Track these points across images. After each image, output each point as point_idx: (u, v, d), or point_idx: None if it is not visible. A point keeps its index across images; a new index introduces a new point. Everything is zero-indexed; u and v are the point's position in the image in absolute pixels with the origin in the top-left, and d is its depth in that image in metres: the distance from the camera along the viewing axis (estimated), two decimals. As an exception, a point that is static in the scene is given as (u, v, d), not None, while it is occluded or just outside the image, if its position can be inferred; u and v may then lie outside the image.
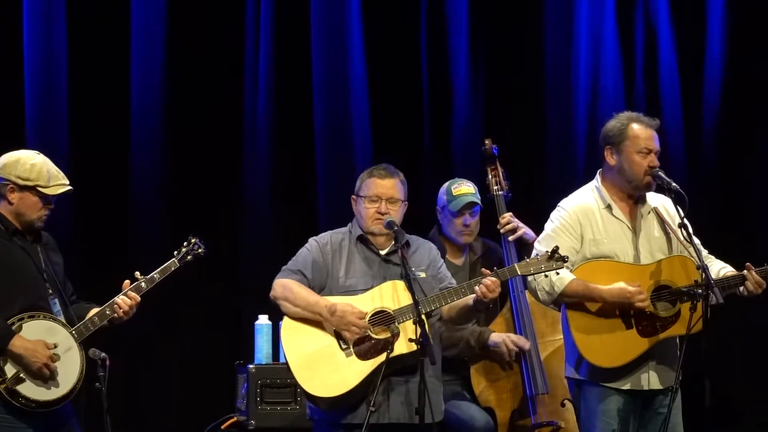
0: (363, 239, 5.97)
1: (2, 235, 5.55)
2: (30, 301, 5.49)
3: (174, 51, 7.83)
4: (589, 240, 5.81)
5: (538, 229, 6.09)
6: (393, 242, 5.92)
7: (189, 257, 5.81)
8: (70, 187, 5.65)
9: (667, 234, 5.86)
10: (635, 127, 5.85)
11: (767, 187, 8.13)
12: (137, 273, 5.70)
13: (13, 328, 5.40)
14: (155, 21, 7.79)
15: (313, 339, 5.77)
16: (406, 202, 6.01)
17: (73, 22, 7.69)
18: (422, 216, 6.92)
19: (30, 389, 5.42)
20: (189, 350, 7.71)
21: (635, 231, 5.85)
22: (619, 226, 5.84)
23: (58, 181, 5.60)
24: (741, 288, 5.73)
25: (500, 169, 6.82)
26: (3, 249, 5.52)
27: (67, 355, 5.49)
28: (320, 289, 5.88)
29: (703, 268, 5.53)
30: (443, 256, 6.44)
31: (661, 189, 5.83)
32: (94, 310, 5.63)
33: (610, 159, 5.87)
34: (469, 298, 5.72)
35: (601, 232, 5.81)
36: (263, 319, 7.06)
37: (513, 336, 6.48)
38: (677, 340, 5.69)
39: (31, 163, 5.56)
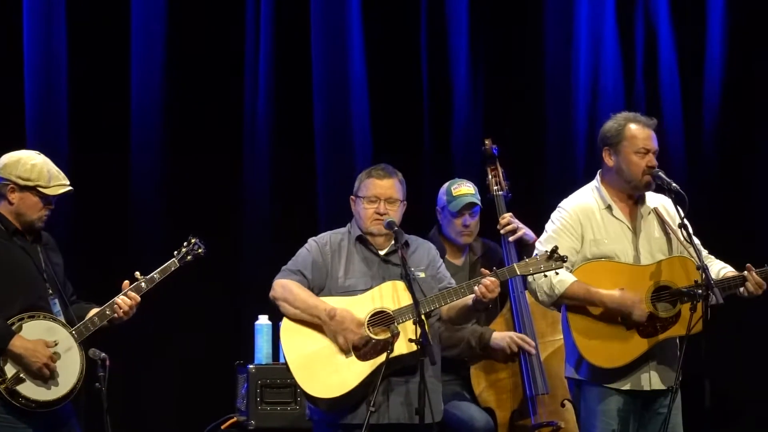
0: (362, 239, 5.97)
1: (2, 235, 5.55)
2: (30, 302, 5.49)
3: (174, 51, 7.83)
4: (590, 240, 5.80)
5: (538, 230, 6.09)
6: (392, 242, 5.92)
7: (189, 257, 5.81)
8: (70, 188, 5.65)
9: (667, 234, 5.86)
10: (632, 127, 5.84)
11: (767, 187, 8.13)
12: (137, 273, 5.71)
13: (13, 328, 5.41)
14: (155, 21, 7.79)
15: (313, 340, 5.76)
16: (405, 202, 6.00)
17: (73, 22, 7.69)
18: (422, 216, 6.92)
19: (30, 389, 5.42)
20: (189, 350, 7.71)
21: (635, 231, 5.85)
22: (619, 226, 5.83)
23: (58, 182, 5.61)
24: (741, 289, 5.73)
25: (500, 169, 6.82)
26: (3, 249, 5.52)
27: (67, 355, 5.49)
28: (319, 290, 5.88)
29: (703, 269, 5.52)
30: (443, 257, 6.44)
31: (661, 189, 5.83)
32: (94, 311, 5.63)
33: (609, 160, 5.87)
34: (469, 298, 5.72)
35: (602, 233, 5.81)
36: (263, 319, 7.06)
37: (518, 335, 6.47)
38: (677, 341, 5.69)
39: (31, 163, 5.57)
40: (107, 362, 5.49)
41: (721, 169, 8.15)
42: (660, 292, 5.70)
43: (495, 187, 6.78)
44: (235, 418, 7.04)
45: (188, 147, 7.84)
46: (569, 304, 5.75)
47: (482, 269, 5.75)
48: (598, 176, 5.94)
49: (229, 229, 7.84)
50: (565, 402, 6.45)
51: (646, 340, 5.67)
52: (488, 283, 5.61)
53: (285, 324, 5.86)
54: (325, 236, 6.01)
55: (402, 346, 5.67)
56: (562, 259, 5.63)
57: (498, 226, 6.67)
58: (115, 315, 5.61)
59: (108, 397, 5.46)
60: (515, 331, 6.54)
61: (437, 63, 8.11)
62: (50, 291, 5.59)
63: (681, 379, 5.57)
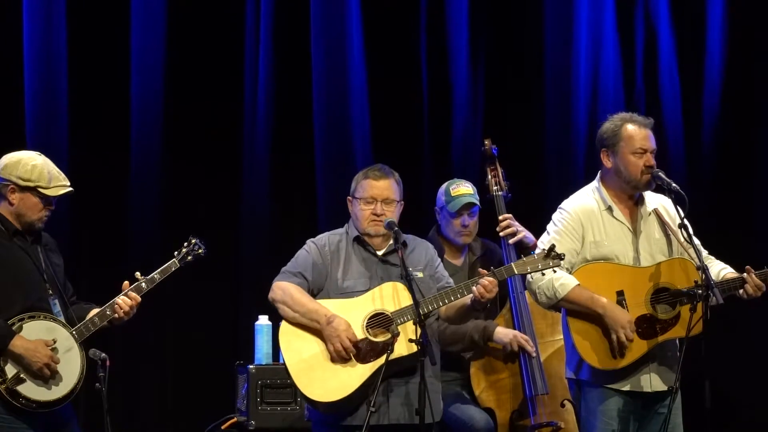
0: (360, 240, 5.95)
1: (3, 236, 5.55)
2: (30, 302, 5.50)
3: (174, 51, 7.82)
4: (590, 242, 5.80)
5: (538, 230, 6.09)
6: (390, 242, 5.92)
7: (189, 257, 5.82)
8: (70, 189, 5.66)
9: (667, 235, 5.86)
10: (629, 127, 5.83)
11: (767, 187, 8.14)
12: (137, 273, 5.71)
13: (14, 328, 5.41)
14: (155, 21, 7.79)
15: (312, 343, 5.75)
16: (402, 202, 5.99)
17: (73, 22, 7.68)
18: (422, 216, 6.93)
19: (30, 389, 5.42)
20: (189, 350, 7.71)
21: (635, 232, 5.84)
22: (619, 227, 5.83)
23: (58, 182, 5.61)
24: (740, 291, 5.72)
25: (500, 170, 6.81)
26: (3, 249, 5.52)
27: (67, 355, 5.49)
28: (318, 291, 5.87)
29: (703, 269, 5.52)
30: (442, 257, 6.44)
31: (661, 189, 5.82)
32: (95, 311, 5.63)
33: (607, 161, 5.86)
34: (467, 298, 5.71)
35: (602, 234, 5.81)
36: (263, 320, 7.06)
37: (522, 335, 6.47)
38: (677, 342, 5.69)
39: (32, 164, 5.57)
40: (107, 362, 5.49)
41: (721, 169, 8.15)
42: (660, 293, 5.70)
43: (495, 188, 6.77)
44: (235, 419, 7.04)
45: (188, 147, 7.84)
46: (569, 308, 5.75)
47: (480, 269, 5.74)
48: (598, 177, 5.93)
49: (229, 230, 7.84)
50: (565, 402, 6.45)
51: (645, 342, 5.67)
52: (486, 283, 5.60)
53: (284, 327, 5.84)
54: (323, 237, 6.00)
55: (402, 347, 5.66)
56: (560, 257, 5.62)
57: (497, 228, 6.67)
58: (116, 315, 5.61)
59: (108, 398, 5.46)
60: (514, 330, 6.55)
61: (437, 63, 8.11)
62: (50, 291, 5.58)
63: (681, 380, 5.56)
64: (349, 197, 6.01)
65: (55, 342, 5.46)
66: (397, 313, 5.72)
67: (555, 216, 5.90)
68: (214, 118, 7.89)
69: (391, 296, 5.77)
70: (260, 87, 7.93)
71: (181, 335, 7.74)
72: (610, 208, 5.84)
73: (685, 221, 5.66)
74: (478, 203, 6.65)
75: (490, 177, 6.80)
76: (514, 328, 6.54)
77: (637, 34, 8.18)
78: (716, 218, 7.75)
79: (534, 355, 6.45)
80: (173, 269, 5.76)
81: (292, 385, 5.85)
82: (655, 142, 5.85)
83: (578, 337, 5.72)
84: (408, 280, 5.61)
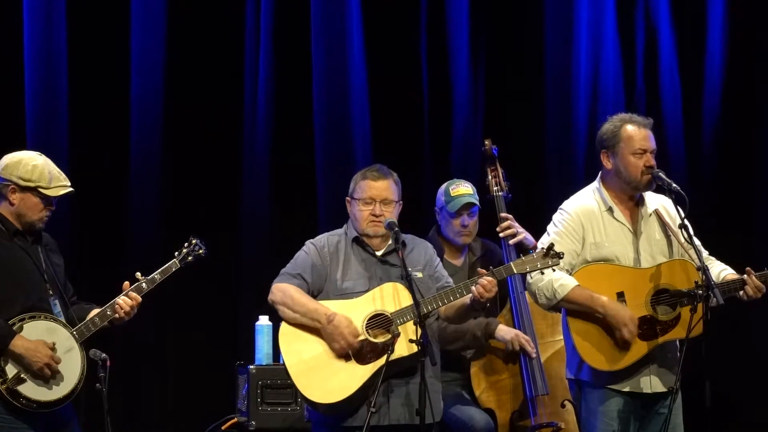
0: (359, 241, 5.95)
1: (3, 236, 5.55)
2: (31, 302, 5.50)
3: (174, 51, 7.82)
4: (591, 243, 5.80)
5: (538, 230, 6.09)
6: (389, 243, 5.92)
7: (190, 258, 5.82)
8: (71, 189, 5.66)
9: (667, 236, 5.85)
10: (629, 128, 5.83)
11: (767, 187, 8.14)
12: (138, 274, 5.71)
13: (14, 328, 5.41)
14: (155, 21, 7.79)
15: (312, 344, 5.74)
16: (401, 202, 5.98)
17: (73, 21, 7.68)
18: (422, 216, 6.93)
19: (31, 389, 5.42)
20: (189, 351, 7.71)
21: (636, 233, 5.84)
22: (620, 228, 5.83)
23: (59, 183, 5.61)
24: (740, 292, 5.72)
25: (500, 170, 6.81)
26: (4, 250, 5.52)
27: (68, 355, 5.49)
28: (318, 292, 5.87)
29: (703, 269, 5.52)
30: (442, 257, 6.44)
31: (662, 189, 5.82)
32: (95, 311, 5.63)
33: (607, 163, 5.86)
34: (467, 298, 5.71)
35: (603, 235, 5.80)
36: (264, 320, 7.06)
37: (524, 336, 6.47)
38: (678, 344, 5.69)
39: (32, 164, 5.57)
40: (108, 363, 5.49)
41: (721, 169, 8.15)
42: (660, 295, 5.70)
43: (495, 188, 6.77)
44: (235, 419, 7.05)
45: (188, 148, 7.84)
46: (569, 308, 5.75)
47: (479, 269, 5.73)
48: (599, 178, 5.93)
49: (229, 230, 7.84)
50: (566, 403, 6.45)
51: (645, 343, 5.67)
52: (485, 283, 5.60)
53: (283, 328, 5.83)
54: (322, 238, 5.99)
55: (402, 348, 5.66)
56: (558, 255, 5.61)
57: (498, 229, 6.66)
58: (116, 315, 5.61)
59: (109, 398, 5.46)
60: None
61: (437, 63, 8.11)
62: (51, 292, 5.59)
63: (682, 380, 5.56)
64: (347, 198, 6.00)
65: (54, 344, 5.45)
66: (397, 313, 5.72)
67: (555, 217, 5.90)
68: (214, 119, 7.89)
69: (392, 296, 5.77)
70: (260, 87, 7.92)
71: (181, 336, 7.74)
72: (610, 209, 5.84)
73: (686, 221, 5.67)
74: (477, 203, 6.64)
75: (490, 177, 6.80)
76: (514, 328, 6.54)
77: (637, 34, 8.18)
78: (717, 218, 7.75)
79: (534, 356, 6.45)
80: (174, 270, 5.76)
81: (293, 386, 5.85)
82: (654, 142, 5.85)
83: (578, 337, 5.72)
84: (408, 281, 5.61)
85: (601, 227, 5.82)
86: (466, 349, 6.52)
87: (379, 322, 5.74)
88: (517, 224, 6.66)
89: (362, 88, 8.02)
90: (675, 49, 8.18)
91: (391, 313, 5.72)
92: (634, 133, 5.82)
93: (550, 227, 5.88)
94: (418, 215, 7.00)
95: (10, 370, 5.39)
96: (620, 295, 5.71)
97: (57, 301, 5.59)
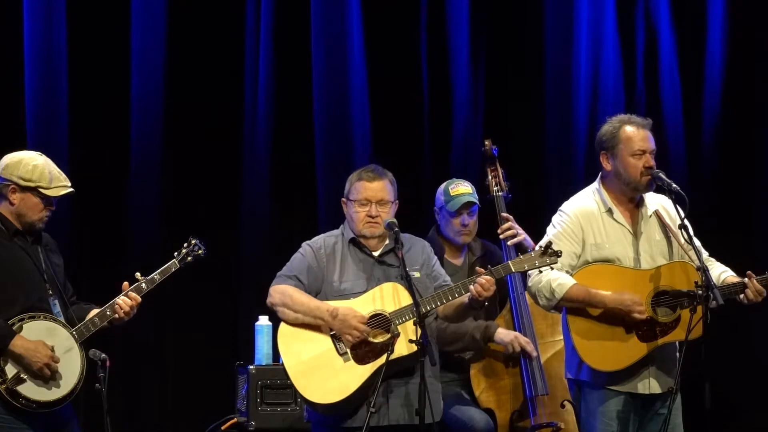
0: (355, 242, 5.94)
1: (3, 236, 5.55)
2: (30, 302, 5.49)
3: (174, 51, 7.82)
4: (591, 244, 5.79)
5: (538, 230, 6.08)
6: (386, 243, 5.91)
7: (189, 258, 5.81)
8: (71, 189, 5.65)
9: (668, 237, 5.85)
10: (628, 129, 5.82)
11: (767, 187, 8.13)
12: (137, 274, 5.70)
13: (14, 328, 5.41)
14: (155, 21, 7.79)
15: (311, 345, 5.75)
16: (397, 202, 5.97)
17: (73, 21, 7.68)
18: (422, 216, 6.92)
19: (30, 389, 5.42)
20: (189, 351, 7.71)
21: (636, 235, 5.84)
22: (620, 229, 5.82)
23: (59, 183, 5.61)
24: (741, 296, 5.71)
25: (500, 170, 6.81)
26: (4, 250, 5.52)
27: (67, 355, 5.49)
28: (315, 294, 5.86)
29: (703, 269, 5.52)
30: (443, 257, 6.44)
31: (661, 190, 5.82)
32: (95, 311, 5.63)
33: (606, 164, 5.86)
34: (465, 297, 5.70)
35: (603, 236, 5.80)
36: (263, 320, 7.06)
37: (523, 338, 6.47)
38: (677, 345, 5.68)
39: (33, 164, 5.57)
40: (108, 363, 5.49)
41: (721, 169, 8.15)
42: (660, 296, 5.69)
43: (495, 188, 6.77)
44: (235, 419, 7.05)
45: (188, 147, 7.84)
46: (570, 306, 5.75)
47: (477, 268, 5.73)
48: (598, 179, 5.93)
49: (229, 230, 7.84)
50: (565, 403, 6.45)
51: (645, 344, 5.67)
52: (484, 282, 5.59)
53: (282, 330, 5.83)
54: (318, 240, 5.99)
55: (402, 347, 5.66)
56: (557, 254, 5.61)
57: (498, 230, 6.66)
58: (116, 316, 5.61)
59: (108, 398, 5.46)
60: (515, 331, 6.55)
61: (437, 63, 8.11)
62: (50, 292, 5.58)
63: (681, 381, 5.56)
64: (343, 199, 5.99)
65: (53, 348, 5.45)
66: (396, 313, 5.72)
67: (555, 218, 5.89)
68: (214, 118, 7.89)
69: (392, 296, 5.77)
70: (260, 87, 7.92)
71: (181, 336, 7.74)
72: (610, 211, 5.84)
73: (686, 222, 5.66)
74: (477, 202, 6.64)
75: (490, 177, 6.80)
76: (515, 329, 6.54)
77: (637, 34, 8.17)
78: (717, 218, 7.75)
79: (533, 357, 6.45)
80: (173, 270, 5.75)
81: (293, 386, 5.85)
82: (654, 143, 5.84)
83: (578, 338, 5.72)
84: (408, 281, 5.61)
85: (601, 228, 5.81)
86: (465, 351, 6.52)
87: (378, 322, 5.74)
88: (517, 226, 6.66)
89: (362, 88, 8.01)
90: (675, 49, 8.18)
91: (389, 313, 5.72)
92: (633, 134, 5.81)
93: (549, 228, 5.88)
94: (418, 215, 6.99)
95: (10, 370, 5.39)
96: (620, 297, 5.73)
97: (56, 301, 5.59)
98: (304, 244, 5.98)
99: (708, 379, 5.42)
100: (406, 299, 5.71)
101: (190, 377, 7.69)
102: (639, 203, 5.88)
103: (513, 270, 5.71)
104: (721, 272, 5.84)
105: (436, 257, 6.05)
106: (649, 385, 5.72)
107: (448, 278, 5.97)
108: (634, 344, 5.65)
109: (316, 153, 7.95)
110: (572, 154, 8.09)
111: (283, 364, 5.78)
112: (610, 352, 5.67)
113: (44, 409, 5.44)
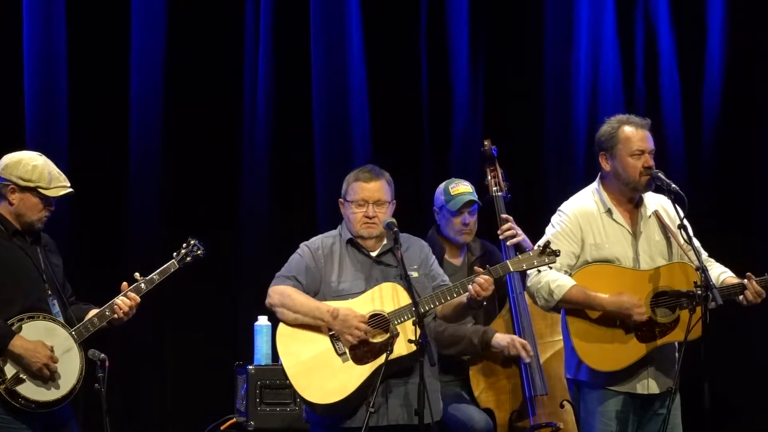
0: (353, 242, 5.93)
1: (2, 236, 5.55)
2: (30, 302, 5.50)
3: (174, 51, 7.83)
4: (590, 244, 5.79)
5: (537, 230, 6.08)
6: (384, 243, 5.91)
7: (188, 259, 5.81)
8: (71, 189, 5.66)
9: (667, 238, 5.85)
10: (626, 129, 5.82)
11: (767, 187, 8.13)
12: (137, 274, 5.70)
13: (13, 328, 5.41)
14: (155, 21, 7.79)
15: (309, 345, 5.75)
16: (394, 202, 5.96)
17: (73, 22, 7.68)
18: (422, 216, 6.92)
19: (30, 390, 5.42)
20: (189, 351, 7.72)
21: (635, 235, 5.83)
22: (619, 230, 5.82)
23: (59, 183, 5.61)
24: (740, 297, 5.70)
25: (500, 170, 6.81)
26: (3, 250, 5.52)
27: (66, 356, 5.49)
28: (314, 294, 5.85)
29: (703, 269, 5.51)
30: (443, 257, 6.44)
31: (661, 190, 5.82)
32: (94, 312, 5.63)
33: (605, 165, 5.85)
34: (464, 296, 5.69)
35: (602, 237, 5.80)
36: (263, 320, 7.05)
37: (520, 340, 6.46)
38: (676, 345, 5.68)
39: (32, 164, 5.57)
40: (107, 363, 5.49)
41: (721, 169, 8.14)
42: (659, 297, 5.69)
43: (494, 188, 6.76)
44: (234, 419, 7.05)
45: (188, 147, 7.84)
46: (568, 308, 5.75)
47: (476, 267, 5.73)
48: (598, 179, 5.92)
49: (228, 230, 7.84)
50: (564, 403, 6.45)
51: (644, 345, 5.67)
52: (482, 281, 5.59)
53: (281, 330, 5.82)
54: (316, 240, 5.98)
55: (401, 347, 5.66)
56: (555, 253, 5.61)
57: (498, 231, 6.66)
58: (115, 316, 5.61)
59: (107, 398, 5.46)
60: (514, 332, 6.54)
61: (437, 62, 8.11)
62: (49, 292, 5.59)
63: (681, 382, 5.56)
64: (340, 200, 5.98)
65: (53, 348, 5.45)
66: (394, 313, 5.72)
67: (554, 218, 5.89)
68: (214, 118, 7.89)
69: (390, 296, 5.77)
70: (260, 86, 7.92)
71: (180, 336, 7.74)
72: (609, 211, 5.83)
73: (685, 222, 5.66)
74: (477, 201, 6.64)
75: (489, 177, 6.80)
76: (514, 330, 6.54)
77: (637, 34, 8.17)
78: (716, 218, 7.75)
79: (528, 360, 6.44)
80: (172, 270, 5.75)
81: (292, 386, 5.86)
82: (653, 143, 5.84)
83: (577, 338, 5.72)
84: (407, 281, 5.61)
85: (601, 228, 5.81)
86: (463, 355, 6.51)
87: (377, 322, 5.74)
88: (516, 227, 6.66)
89: (362, 88, 8.01)
90: (675, 49, 8.18)
91: (388, 313, 5.72)
92: (632, 134, 5.81)
93: (548, 229, 5.88)
94: (418, 215, 7.00)
95: (9, 370, 5.39)
96: (620, 297, 5.73)
97: (55, 302, 5.59)
98: (302, 245, 5.98)
99: (707, 380, 5.42)
100: (404, 299, 5.71)
101: (189, 377, 7.69)
102: (638, 203, 5.88)
103: (511, 269, 5.71)
104: (720, 273, 5.84)
105: (434, 257, 6.05)
106: (648, 385, 5.72)
107: (446, 278, 5.97)
108: (633, 345, 5.65)
109: (315, 153, 7.95)
110: (572, 154, 8.09)
111: (282, 365, 5.78)
112: (609, 352, 5.67)
113: (43, 409, 5.44)
